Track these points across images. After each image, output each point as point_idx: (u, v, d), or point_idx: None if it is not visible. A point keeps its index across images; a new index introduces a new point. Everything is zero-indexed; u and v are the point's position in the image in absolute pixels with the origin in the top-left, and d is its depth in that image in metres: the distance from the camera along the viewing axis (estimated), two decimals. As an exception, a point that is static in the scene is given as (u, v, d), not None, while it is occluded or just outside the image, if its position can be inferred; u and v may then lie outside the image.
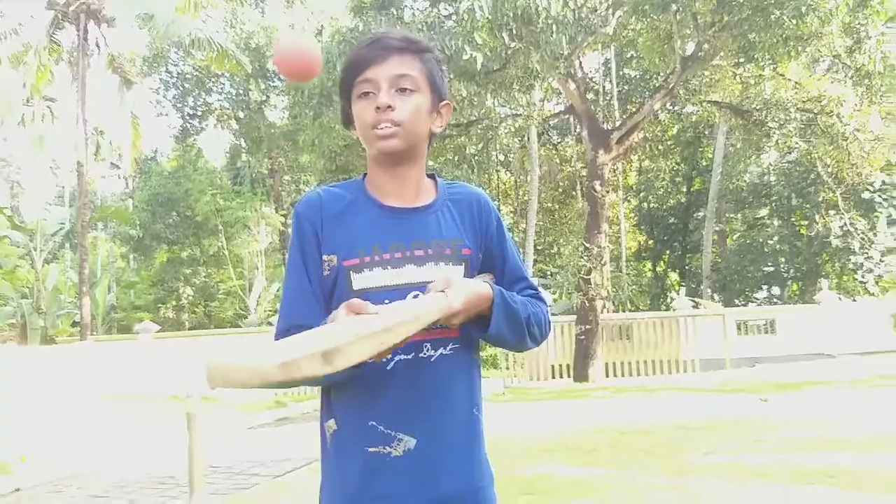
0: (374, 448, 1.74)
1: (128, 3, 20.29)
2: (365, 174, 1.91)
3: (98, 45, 21.25)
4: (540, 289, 2.02)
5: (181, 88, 32.80)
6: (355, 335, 1.44)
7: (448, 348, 1.80)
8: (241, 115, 32.15)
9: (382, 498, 1.73)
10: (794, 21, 15.71)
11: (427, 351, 1.77)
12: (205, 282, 32.34)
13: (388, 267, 1.79)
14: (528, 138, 27.67)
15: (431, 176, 1.94)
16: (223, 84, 32.07)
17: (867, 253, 25.06)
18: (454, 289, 1.69)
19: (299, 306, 1.78)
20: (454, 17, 17.20)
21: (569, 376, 18.10)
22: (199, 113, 33.71)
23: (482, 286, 1.76)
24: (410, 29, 16.51)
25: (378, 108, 1.77)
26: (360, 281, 1.77)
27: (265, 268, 30.84)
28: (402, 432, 1.74)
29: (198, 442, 6.94)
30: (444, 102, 1.90)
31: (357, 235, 1.80)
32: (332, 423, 1.80)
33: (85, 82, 20.67)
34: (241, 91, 30.66)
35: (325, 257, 1.80)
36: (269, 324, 21.17)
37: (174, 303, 32.88)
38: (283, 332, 1.73)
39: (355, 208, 1.83)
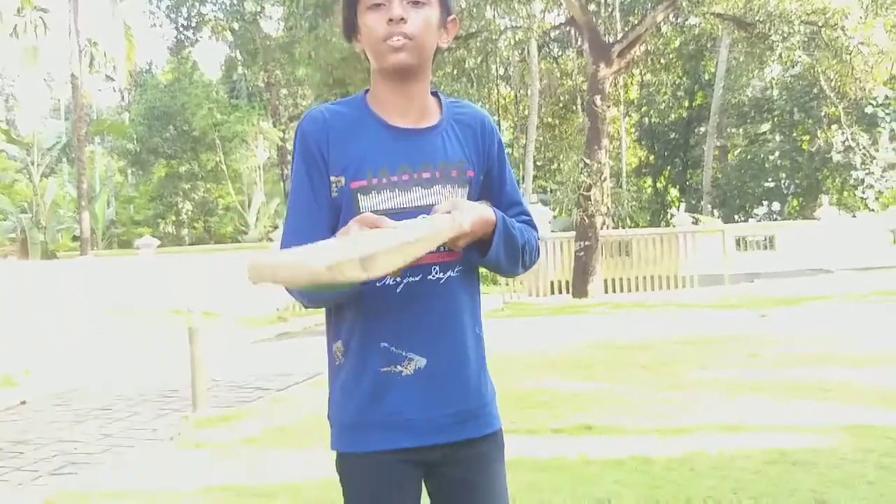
0: (385, 368, 1.74)
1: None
2: (366, 90, 1.84)
3: (90, -45, 20.75)
4: (532, 215, 1.99)
5: (174, -1, 32.21)
6: (386, 244, 1.42)
7: (455, 271, 1.78)
8: (235, 26, 31.56)
9: (394, 414, 1.74)
10: (802, -71, 15.31)
11: (436, 273, 1.76)
12: (204, 197, 32.29)
13: (397, 189, 1.74)
14: (529, 51, 27.28)
15: (434, 93, 1.87)
16: (217, -7, 31.50)
17: (868, 168, 24.96)
18: (462, 210, 1.66)
19: (306, 228, 1.72)
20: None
21: (567, 292, 18.18)
22: (194, 24, 33.13)
23: (487, 210, 1.73)
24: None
25: (391, 19, 1.70)
26: (367, 203, 1.73)
27: (264, 183, 30.77)
28: (412, 352, 1.74)
29: (200, 355, 7.00)
30: (452, 17, 1.83)
31: (364, 156, 1.74)
32: (340, 345, 1.79)
33: (77, -7, 20.25)
34: (235, 1, 30.09)
35: (332, 178, 1.74)
36: (270, 239, 21.18)
37: (174, 218, 32.90)
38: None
39: (360, 127, 1.77)
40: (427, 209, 1.73)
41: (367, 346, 1.75)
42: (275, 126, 30.73)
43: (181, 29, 33.09)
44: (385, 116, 1.78)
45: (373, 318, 1.74)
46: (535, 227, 1.94)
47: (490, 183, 1.90)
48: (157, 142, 30.06)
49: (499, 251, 1.75)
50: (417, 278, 1.73)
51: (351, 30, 1.80)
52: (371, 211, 1.71)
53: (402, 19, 1.70)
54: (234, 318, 15.54)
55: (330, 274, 1.33)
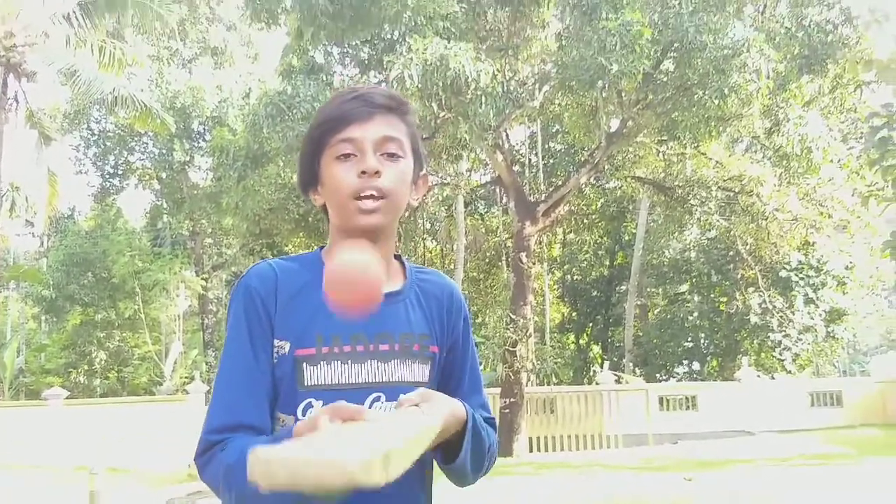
0: None
1: (50, 57, 19.83)
2: (321, 247, 1.64)
3: (17, 100, 20.68)
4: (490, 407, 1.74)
5: (102, 146, 32.06)
6: (394, 442, 1.12)
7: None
8: (163, 175, 31.53)
9: None
10: (717, 102, 16.12)
11: None
12: (119, 346, 31.32)
13: (349, 361, 1.51)
14: (455, 207, 27.76)
15: (397, 257, 1.68)
16: (146, 143, 31.48)
17: (785, 331, 25.54)
18: (434, 404, 1.42)
19: (246, 400, 1.46)
20: (384, 85, 17.24)
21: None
22: (120, 172, 32.98)
23: (459, 407, 1.48)
24: (340, 95, 16.52)
25: (364, 172, 1.50)
26: (313, 375, 1.49)
27: (183, 333, 30.07)
28: None
29: (100, 524, 6.51)
30: (423, 172, 1.66)
31: (313, 321, 1.50)
32: None
33: (1, 137, 20.05)
34: (164, 151, 30.11)
35: (276, 342, 1.50)
36: (185, 391, 20.46)
37: (86, 367, 31.70)
38: (220, 432, 1.42)
39: (312, 288, 1.51)
40: (384, 386, 1.52)
41: None
42: (197, 275, 30.32)
43: (107, 176, 32.91)
44: None
45: None
46: (495, 426, 1.68)
47: (452, 363, 1.67)
48: (74, 288, 29.28)
49: (466, 457, 1.51)
50: None
51: (310, 182, 1.60)
52: (317, 385, 1.49)
53: (377, 172, 1.51)
54: (143, 475, 14.77)
55: (362, 476, 1.03)
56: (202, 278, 30.15)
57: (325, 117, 1.56)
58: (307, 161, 1.59)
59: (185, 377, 25.76)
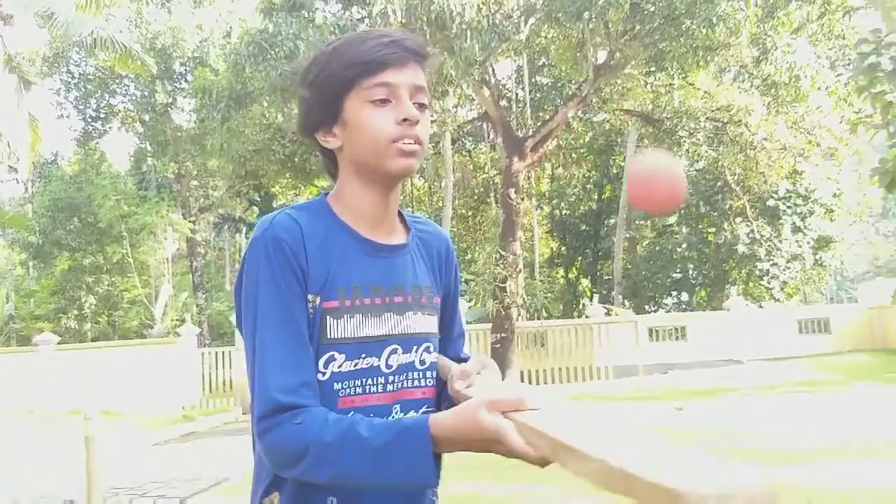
0: None
1: (27, 0, 19.43)
2: (326, 193, 1.60)
3: (-6, 44, 20.30)
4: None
5: (83, 90, 31.66)
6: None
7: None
8: (146, 117, 31.17)
9: None
10: (705, 31, 15.96)
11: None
12: (108, 290, 31.28)
13: (369, 314, 1.50)
14: (442, 144, 27.58)
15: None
16: (127, 86, 31.10)
17: (773, 260, 25.69)
18: (491, 370, 1.49)
19: (304, 356, 1.44)
20: (367, 21, 17.00)
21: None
22: (102, 115, 32.62)
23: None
24: (322, 32, 16.26)
25: (406, 119, 1.47)
26: (336, 328, 1.47)
27: (172, 276, 30.06)
28: None
29: (96, 466, 6.55)
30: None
31: (336, 273, 1.48)
32: (274, 498, 1.49)
33: (-21, 82, 19.74)
34: (146, 93, 29.74)
35: (309, 297, 1.46)
36: (177, 333, 20.49)
37: (76, 312, 31.70)
38: (288, 391, 1.38)
39: (331, 239, 1.50)
40: (399, 338, 1.52)
41: (310, 501, 1.47)
42: (184, 217, 30.21)
43: (89, 120, 32.56)
44: (356, 227, 1.54)
45: None
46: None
47: (444, 311, 1.69)
48: (61, 234, 29.14)
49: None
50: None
51: (324, 122, 1.54)
52: (338, 338, 1.47)
53: (418, 121, 1.49)
54: (137, 418, 14.88)
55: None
56: (190, 221, 30.06)
57: (356, 59, 1.49)
58: (326, 100, 1.52)
59: (176, 320, 25.82)
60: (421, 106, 1.51)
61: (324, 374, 1.46)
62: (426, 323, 1.59)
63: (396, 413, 1.52)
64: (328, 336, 1.47)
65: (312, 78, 1.55)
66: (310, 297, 1.46)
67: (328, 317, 1.47)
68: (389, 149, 1.48)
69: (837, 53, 21.38)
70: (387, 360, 1.52)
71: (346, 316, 1.48)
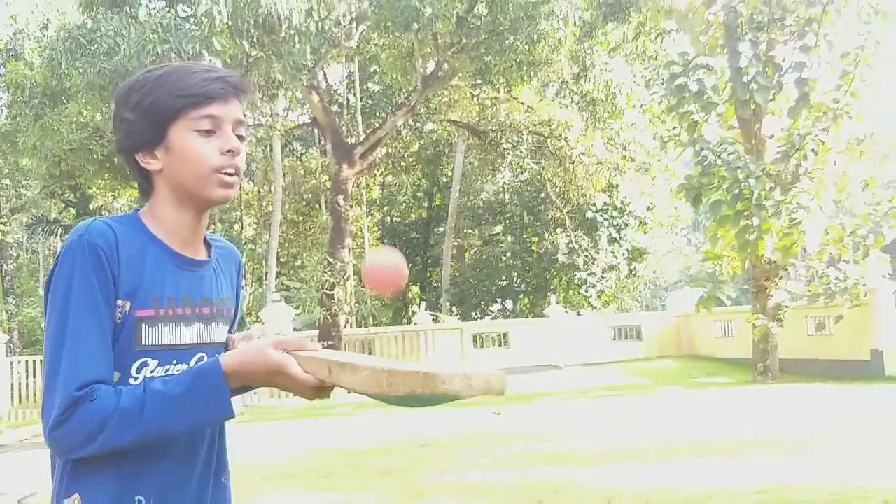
0: None
1: None
2: (137, 209, 1.65)
3: None
4: None
5: None
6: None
7: None
8: (-48, 112, 29.31)
9: None
10: (527, 47, 16.55)
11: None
12: None
13: (181, 324, 1.58)
14: (272, 148, 27.27)
15: None
16: (-69, 77, 29.13)
17: (590, 269, 26.80)
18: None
19: (102, 356, 1.47)
20: (192, 20, 16.59)
21: (306, 399, 17.91)
22: None
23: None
24: (144, 30, 15.76)
25: (231, 150, 1.57)
26: (150, 336, 1.53)
27: (-21, 279, 28.32)
28: None
29: None
30: None
31: (151, 283, 1.54)
32: (75, 499, 1.51)
33: None
34: (-47, 86, 27.97)
35: (118, 302, 1.51)
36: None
37: None
38: (83, 388, 1.42)
39: (144, 250, 1.56)
40: (206, 347, 1.62)
41: (116, 500, 1.50)
42: (-6, 218, 28.54)
43: None
44: (169, 243, 1.60)
45: (133, 466, 1.51)
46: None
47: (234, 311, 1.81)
48: None
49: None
50: None
51: (147, 144, 1.59)
52: (151, 345, 1.53)
53: (239, 152, 1.59)
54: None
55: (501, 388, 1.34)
56: (1, 223, 28.39)
57: (185, 90, 1.57)
58: (150, 124, 1.58)
59: (-18, 327, 24.33)
60: (240, 138, 1.61)
61: (136, 378, 1.52)
62: (223, 333, 1.70)
63: None
64: (142, 343, 1.53)
65: (136, 101, 1.59)
66: (119, 302, 1.51)
67: (143, 325, 1.53)
68: (212, 177, 1.57)
69: (651, 73, 22.58)
70: (195, 365, 1.59)
71: (160, 324, 1.55)
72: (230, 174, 1.58)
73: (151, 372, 1.53)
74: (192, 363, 1.59)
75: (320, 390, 1.47)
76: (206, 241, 1.72)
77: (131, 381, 1.51)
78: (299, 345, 1.49)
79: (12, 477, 9.34)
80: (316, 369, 1.44)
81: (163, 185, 1.61)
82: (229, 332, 1.76)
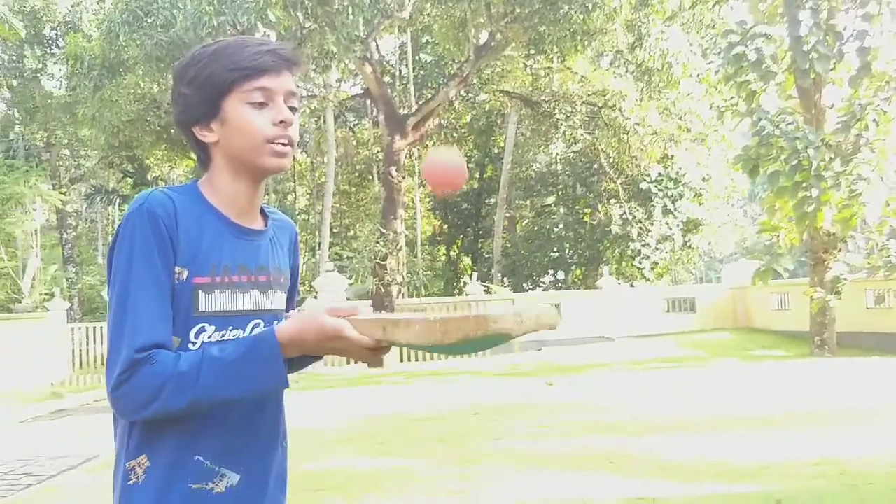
0: (196, 484, 1.58)
1: None
2: (196, 180, 1.72)
3: None
4: None
5: (-55, 52, 30.06)
6: None
7: None
8: (14, 83, 29.79)
9: None
10: (582, 16, 16.36)
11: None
12: (-28, 262, 29.93)
13: (236, 291, 1.64)
14: (325, 119, 27.40)
15: None
16: (-6, 49, 29.68)
17: (644, 240, 26.58)
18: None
19: (163, 320, 1.55)
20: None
21: (364, 362, 18.10)
22: (-33, 80, 31.04)
23: None
24: (200, 3, 15.90)
25: (283, 122, 1.62)
26: (207, 302, 1.60)
27: (41, 248, 28.93)
28: (226, 468, 1.61)
29: (-43, 445, 6.36)
30: None
31: (209, 251, 1.61)
32: (143, 460, 1.59)
33: None
34: (14, 57, 28.44)
35: (176, 269, 1.57)
36: (45, 308, 19.83)
37: (-62, 284, 30.26)
38: (144, 350, 1.50)
39: (202, 219, 1.63)
40: (262, 314, 1.68)
41: (178, 460, 1.58)
42: (54, 188, 29.10)
43: (-48, 83, 30.91)
44: (226, 212, 1.66)
45: (192, 428, 1.58)
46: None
47: (291, 285, 1.86)
48: (-79, 203, 27.70)
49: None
50: None
51: (203, 118, 1.65)
52: (209, 311, 1.60)
53: (291, 123, 1.64)
54: (3, 394, 14.39)
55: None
56: (60, 192, 28.96)
57: (238, 64, 1.63)
58: (205, 98, 1.64)
59: (45, 294, 24.91)
60: (292, 109, 1.66)
61: (194, 343, 1.58)
62: (281, 300, 1.75)
63: None
64: (199, 309, 1.59)
65: (192, 76, 1.66)
66: (177, 269, 1.58)
67: (200, 291, 1.59)
68: (265, 147, 1.63)
69: (709, 42, 22.20)
70: (251, 332, 1.66)
71: (216, 291, 1.61)
72: (283, 144, 1.63)
73: (209, 337, 1.60)
74: (248, 330, 1.66)
75: (377, 351, 1.53)
76: (263, 212, 1.77)
77: (190, 346, 1.58)
78: (352, 310, 1.55)
79: (76, 440, 9.62)
80: (371, 330, 1.49)
81: (219, 157, 1.67)
82: (290, 306, 1.83)
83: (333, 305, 1.56)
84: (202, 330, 1.59)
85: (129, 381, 1.49)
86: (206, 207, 1.65)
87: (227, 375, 1.50)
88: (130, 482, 1.60)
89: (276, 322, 1.69)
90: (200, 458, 1.59)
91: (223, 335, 1.61)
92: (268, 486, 1.70)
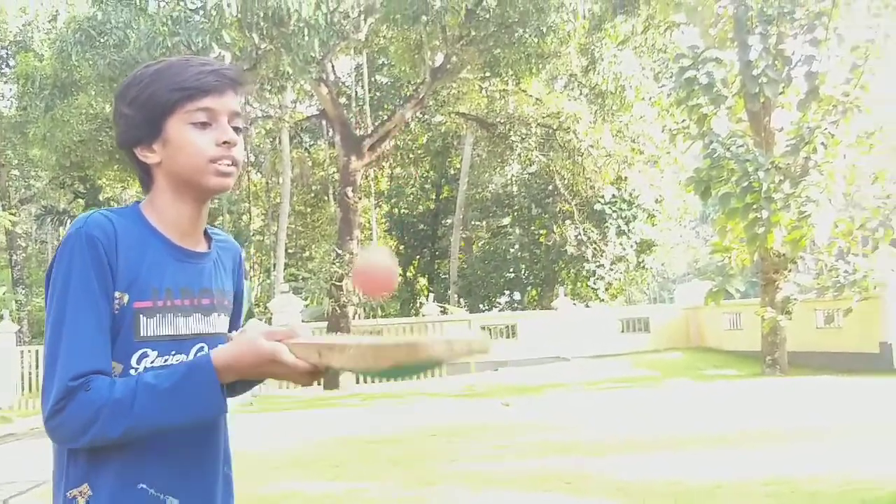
0: None
1: None
2: (138, 202, 1.68)
3: None
4: None
5: None
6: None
7: None
8: (-37, 102, 29.42)
9: None
10: (536, 39, 16.53)
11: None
12: (-82, 284, 29.28)
13: (179, 315, 1.61)
14: (280, 140, 27.33)
15: None
16: (-58, 68, 29.20)
17: (598, 261, 26.80)
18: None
19: (100, 347, 1.51)
20: (202, 13, 16.60)
21: (318, 384, 17.99)
22: (-86, 98, 30.50)
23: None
24: (154, 22, 15.80)
25: (227, 142, 1.60)
26: (147, 327, 1.56)
27: (-11, 270, 28.43)
28: (171, 495, 1.58)
29: None
30: None
31: (149, 274, 1.57)
32: (84, 489, 1.54)
33: None
34: (-37, 77, 28.08)
35: (116, 294, 1.54)
36: (-7, 332, 19.45)
37: None
38: (72, 380, 1.45)
39: (143, 242, 1.59)
40: (206, 338, 1.65)
41: (121, 489, 1.54)
42: (4, 209, 28.61)
43: None
44: (168, 235, 1.63)
45: (135, 454, 1.54)
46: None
47: (235, 305, 1.83)
48: None
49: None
50: None
51: (146, 138, 1.62)
52: (150, 336, 1.56)
53: (235, 144, 1.61)
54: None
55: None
56: (10, 213, 28.48)
57: (180, 84, 1.60)
58: (147, 119, 1.61)
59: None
60: (237, 129, 1.64)
61: (136, 369, 1.55)
62: (225, 323, 1.73)
63: None
64: (141, 334, 1.56)
65: (134, 96, 1.63)
66: (117, 293, 1.54)
67: (141, 316, 1.56)
68: (209, 167, 1.60)
69: (661, 66, 22.55)
70: (194, 355, 1.63)
71: (158, 316, 1.58)
72: (228, 164, 1.61)
73: (151, 363, 1.56)
74: (192, 353, 1.62)
75: (313, 374, 1.51)
76: (206, 234, 1.74)
77: (132, 371, 1.54)
78: (289, 333, 1.53)
79: (24, 465, 9.43)
80: (307, 354, 1.48)
81: (161, 178, 1.64)
82: (234, 327, 1.80)
83: (269, 329, 1.54)
84: (144, 355, 1.56)
85: (65, 410, 1.45)
86: (147, 230, 1.61)
87: (163, 403, 1.47)
88: None
89: (218, 345, 1.65)
90: (144, 486, 1.56)
91: (166, 360, 1.58)
92: None
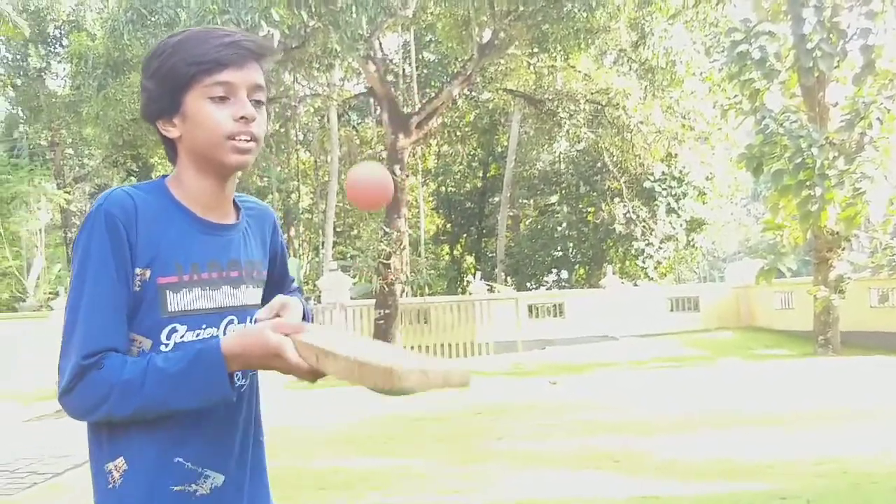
0: (178, 486, 1.56)
1: None
2: (163, 176, 1.67)
3: None
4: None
5: (-51, 51, 30.10)
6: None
7: (250, 376, 1.69)
8: (18, 82, 29.87)
9: None
10: (585, 14, 16.34)
11: (239, 379, 1.63)
12: (-23, 262, 29.97)
13: (207, 288, 1.60)
14: (328, 118, 27.41)
15: None
16: (-2, 48, 29.73)
17: (647, 239, 26.55)
18: (291, 310, 1.60)
19: (116, 325, 1.51)
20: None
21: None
22: (-28, 79, 31.09)
23: (298, 303, 1.67)
24: (204, 1, 15.90)
25: (244, 117, 1.57)
26: (175, 302, 1.56)
27: (45, 247, 28.98)
28: (209, 469, 1.59)
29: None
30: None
31: (172, 249, 1.56)
32: (120, 462, 1.56)
33: None
34: (18, 56, 28.48)
35: (137, 270, 1.53)
36: (50, 307, 19.88)
37: (-58, 284, 30.29)
38: (85, 358, 1.46)
39: (167, 217, 1.58)
40: (235, 310, 1.64)
41: (157, 463, 1.55)
42: (59, 187, 29.13)
43: (-44, 83, 30.96)
44: (194, 209, 1.62)
45: (171, 430, 1.55)
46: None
47: (275, 269, 1.83)
48: (-73, 203, 27.74)
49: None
50: None
51: (165, 112, 1.61)
52: (180, 311, 1.56)
53: (254, 119, 1.59)
54: (8, 393, 14.41)
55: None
56: (64, 191, 29.00)
57: (198, 57, 1.57)
58: (167, 92, 1.60)
59: (50, 292, 24.98)
60: (258, 103, 1.61)
61: (166, 345, 1.56)
62: (255, 295, 1.72)
63: (238, 379, 1.64)
64: (168, 310, 1.56)
65: (155, 69, 1.62)
66: (138, 270, 1.54)
67: (167, 291, 1.56)
68: (225, 144, 1.58)
69: (712, 41, 22.12)
70: (224, 329, 1.63)
71: (184, 290, 1.58)
72: (246, 140, 1.58)
73: (181, 337, 1.57)
74: (222, 327, 1.63)
75: (314, 374, 1.49)
76: (235, 204, 1.73)
77: (162, 347, 1.55)
78: (297, 327, 1.52)
79: (80, 439, 9.61)
80: (307, 354, 1.48)
81: (184, 153, 1.63)
82: (279, 292, 1.77)
83: (279, 320, 1.54)
84: (174, 330, 1.57)
85: (77, 388, 1.47)
86: (172, 204, 1.61)
87: (171, 387, 1.47)
88: (109, 486, 1.57)
89: (249, 319, 1.66)
90: (180, 460, 1.57)
91: (197, 334, 1.59)
92: (251, 483, 1.69)
